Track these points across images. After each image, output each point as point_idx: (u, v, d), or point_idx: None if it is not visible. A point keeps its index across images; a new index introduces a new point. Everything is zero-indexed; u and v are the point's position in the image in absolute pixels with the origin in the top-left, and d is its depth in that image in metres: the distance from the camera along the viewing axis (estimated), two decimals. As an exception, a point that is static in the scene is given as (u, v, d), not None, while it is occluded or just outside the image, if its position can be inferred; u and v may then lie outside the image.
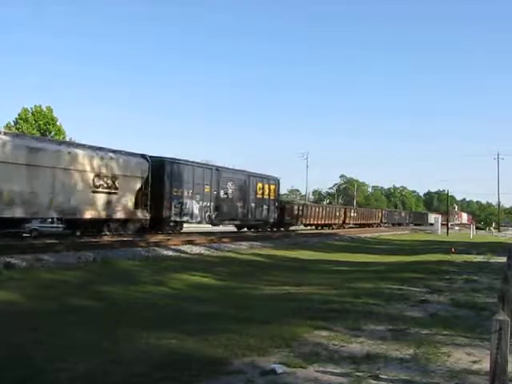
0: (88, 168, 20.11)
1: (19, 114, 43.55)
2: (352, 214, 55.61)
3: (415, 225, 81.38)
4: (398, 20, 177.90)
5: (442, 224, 64.81)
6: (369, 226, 60.05)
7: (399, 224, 73.60)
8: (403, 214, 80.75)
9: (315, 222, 45.29)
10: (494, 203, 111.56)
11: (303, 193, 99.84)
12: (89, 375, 4.97)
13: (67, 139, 44.71)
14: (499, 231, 71.90)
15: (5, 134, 18.19)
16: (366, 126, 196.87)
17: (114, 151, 21.99)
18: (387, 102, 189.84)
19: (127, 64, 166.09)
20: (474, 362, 5.71)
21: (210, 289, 12.03)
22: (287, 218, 39.31)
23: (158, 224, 24.40)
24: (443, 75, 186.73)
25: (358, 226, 57.60)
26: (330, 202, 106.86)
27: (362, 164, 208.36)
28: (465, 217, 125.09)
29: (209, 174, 27.61)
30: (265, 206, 33.87)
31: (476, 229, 64.35)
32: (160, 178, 23.95)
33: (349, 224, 53.72)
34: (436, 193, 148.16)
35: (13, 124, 43.06)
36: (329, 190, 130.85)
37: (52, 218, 20.39)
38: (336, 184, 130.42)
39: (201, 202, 26.82)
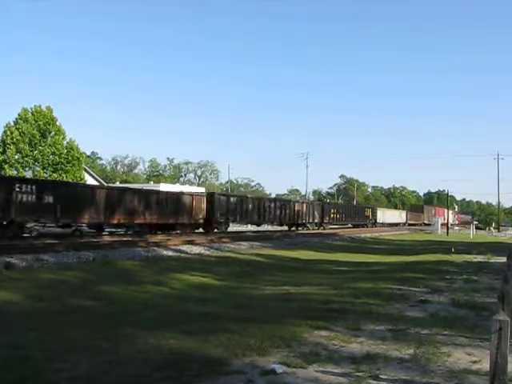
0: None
1: (19, 114, 43.45)
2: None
3: (355, 226, 54.22)
4: (398, 20, 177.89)
5: (442, 224, 64.59)
6: (166, 227, 28.20)
7: (293, 225, 41.61)
8: (305, 209, 43.04)
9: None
10: (493, 203, 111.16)
11: (303, 193, 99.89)
12: (89, 375, 4.97)
13: (67, 139, 44.93)
14: (499, 231, 71.87)
15: None
16: (366, 126, 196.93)
17: None
18: (387, 102, 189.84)
19: (127, 64, 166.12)
20: (474, 362, 5.71)
21: (210, 289, 12.02)
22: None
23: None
24: (443, 75, 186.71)
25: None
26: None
27: (362, 164, 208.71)
28: (452, 215, 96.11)
29: None
30: None
31: (476, 229, 64.38)
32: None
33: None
34: (436, 193, 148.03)
35: (13, 124, 43.00)
36: (329, 190, 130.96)
37: None
38: (336, 184, 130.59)
39: None
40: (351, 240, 37.02)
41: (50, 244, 17.52)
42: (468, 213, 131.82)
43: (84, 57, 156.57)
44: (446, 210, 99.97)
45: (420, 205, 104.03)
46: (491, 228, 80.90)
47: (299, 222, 42.40)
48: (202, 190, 61.51)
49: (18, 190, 19.30)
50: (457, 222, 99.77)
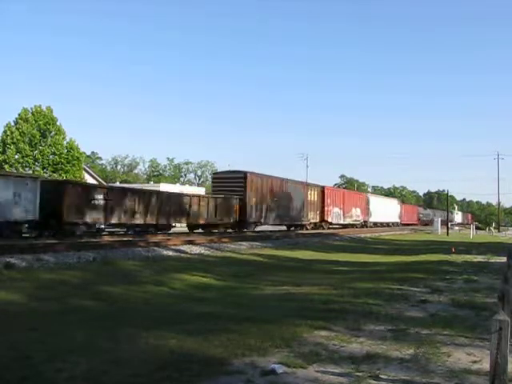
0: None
1: (19, 114, 43.46)
2: None
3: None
4: (398, 20, 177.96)
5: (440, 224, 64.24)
6: None
7: None
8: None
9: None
10: (494, 203, 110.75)
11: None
12: (89, 375, 4.96)
13: (67, 139, 44.93)
14: (499, 231, 71.83)
15: None
16: (366, 126, 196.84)
17: None
18: (387, 101, 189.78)
19: (127, 64, 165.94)
20: (474, 361, 5.71)
21: (210, 289, 12.02)
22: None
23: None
24: (443, 75, 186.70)
25: None
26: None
27: (362, 164, 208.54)
28: (393, 208, 64.48)
29: None
30: None
31: (476, 229, 64.35)
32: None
33: None
34: (436, 193, 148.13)
35: (13, 124, 42.99)
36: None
37: None
38: (336, 184, 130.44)
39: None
40: (351, 240, 37.05)
41: (50, 244, 17.49)
42: (463, 210, 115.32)
43: (84, 56, 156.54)
44: (365, 197, 54.95)
45: (447, 209, 60.69)
46: (491, 228, 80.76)
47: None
48: (202, 190, 61.32)
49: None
50: (415, 222, 72.67)
